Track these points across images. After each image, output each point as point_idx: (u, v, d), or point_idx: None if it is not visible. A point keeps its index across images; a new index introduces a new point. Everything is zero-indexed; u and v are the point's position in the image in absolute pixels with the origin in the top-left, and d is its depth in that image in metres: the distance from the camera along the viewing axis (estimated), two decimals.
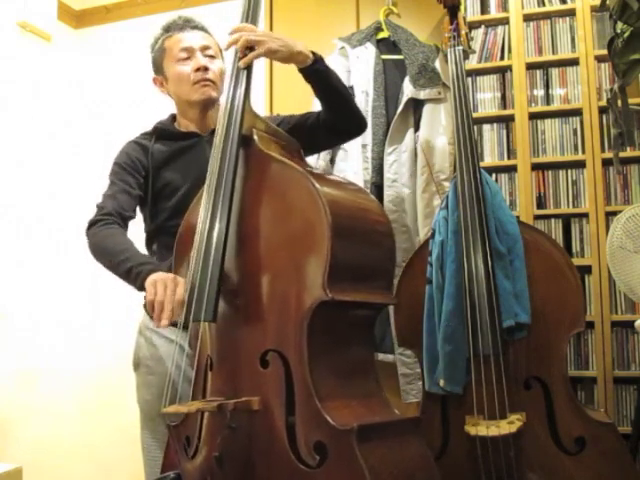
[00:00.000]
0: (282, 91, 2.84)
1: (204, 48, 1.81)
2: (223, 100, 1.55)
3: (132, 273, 1.53)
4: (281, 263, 1.36)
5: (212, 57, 1.82)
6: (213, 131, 1.75)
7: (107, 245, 1.63)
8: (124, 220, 1.73)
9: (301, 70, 1.64)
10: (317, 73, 1.64)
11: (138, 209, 1.82)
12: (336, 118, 1.73)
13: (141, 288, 1.51)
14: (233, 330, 1.40)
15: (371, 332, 1.49)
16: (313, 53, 1.63)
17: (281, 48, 1.57)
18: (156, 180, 1.80)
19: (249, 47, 1.56)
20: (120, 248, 1.60)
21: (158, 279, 1.43)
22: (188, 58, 1.80)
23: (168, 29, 1.85)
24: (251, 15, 1.62)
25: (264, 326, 1.35)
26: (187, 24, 1.84)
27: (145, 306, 1.80)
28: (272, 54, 1.58)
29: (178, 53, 1.81)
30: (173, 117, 1.91)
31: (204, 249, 1.38)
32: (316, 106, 1.90)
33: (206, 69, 1.78)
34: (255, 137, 1.49)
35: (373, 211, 1.49)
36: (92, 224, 1.69)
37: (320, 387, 1.27)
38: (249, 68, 1.56)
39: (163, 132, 1.85)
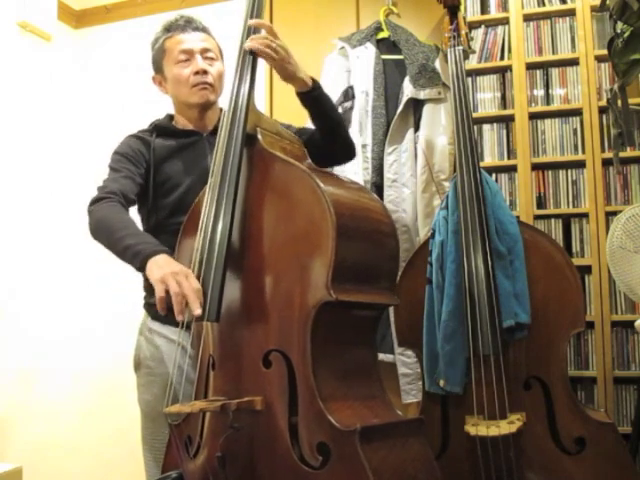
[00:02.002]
0: (282, 90, 2.82)
1: (204, 51, 1.81)
2: (226, 98, 1.55)
3: (129, 251, 1.47)
4: (284, 263, 1.36)
5: (212, 59, 1.82)
6: (213, 131, 1.76)
7: (107, 221, 1.56)
8: (127, 202, 1.67)
9: (299, 94, 1.68)
10: (316, 100, 1.70)
11: (136, 209, 1.80)
12: (327, 141, 1.76)
13: (140, 268, 1.45)
14: (236, 330, 1.39)
15: (374, 333, 1.49)
16: (312, 80, 1.67)
17: (289, 67, 1.61)
18: (157, 175, 1.78)
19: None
20: (120, 225, 1.54)
21: (166, 275, 1.35)
22: (187, 60, 1.79)
23: (169, 29, 1.84)
24: (255, 14, 1.62)
25: (267, 326, 1.35)
26: (188, 25, 1.83)
27: (146, 305, 1.80)
28: (280, 68, 1.61)
29: (178, 55, 1.80)
30: (170, 117, 1.90)
31: (207, 247, 1.37)
32: None
33: (205, 72, 1.78)
34: (259, 136, 1.49)
35: (377, 211, 1.49)
36: (94, 201, 1.62)
37: (323, 388, 1.27)
38: (254, 68, 1.56)
39: (163, 129, 1.84)
